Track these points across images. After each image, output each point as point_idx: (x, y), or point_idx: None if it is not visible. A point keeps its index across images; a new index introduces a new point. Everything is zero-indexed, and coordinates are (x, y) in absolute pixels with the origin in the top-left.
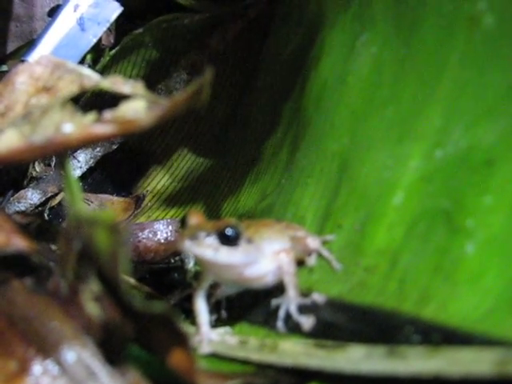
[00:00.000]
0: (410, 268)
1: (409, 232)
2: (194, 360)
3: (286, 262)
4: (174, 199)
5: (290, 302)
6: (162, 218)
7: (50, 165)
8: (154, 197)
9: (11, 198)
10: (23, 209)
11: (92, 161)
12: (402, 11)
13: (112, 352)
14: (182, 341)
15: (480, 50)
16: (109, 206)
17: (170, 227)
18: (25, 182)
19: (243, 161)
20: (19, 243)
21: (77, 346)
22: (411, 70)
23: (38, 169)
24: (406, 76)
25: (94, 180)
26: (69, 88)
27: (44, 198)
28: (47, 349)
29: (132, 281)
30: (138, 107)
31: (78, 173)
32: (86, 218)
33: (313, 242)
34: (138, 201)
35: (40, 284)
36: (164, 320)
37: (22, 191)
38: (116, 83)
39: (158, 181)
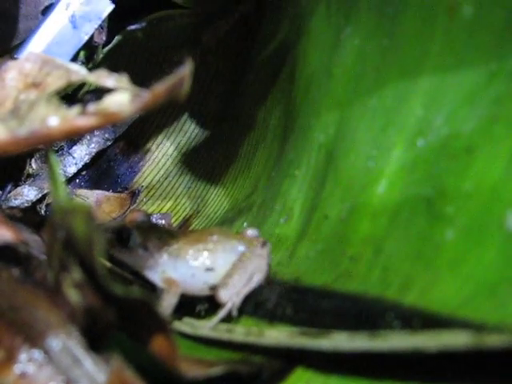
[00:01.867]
0: (393, 255)
1: (392, 220)
2: (176, 346)
3: (167, 292)
4: (169, 194)
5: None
6: (156, 212)
7: (46, 162)
8: (149, 192)
9: (8, 195)
10: (20, 205)
11: (87, 157)
12: (385, 3)
13: (96, 340)
14: (162, 326)
15: (459, 39)
16: (105, 201)
17: (163, 221)
18: (22, 179)
19: (236, 155)
20: (6, 234)
21: (62, 335)
22: (393, 61)
23: (34, 166)
24: (389, 67)
25: (89, 176)
26: (57, 83)
27: (40, 195)
28: (34, 338)
29: (114, 267)
30: (121, 100)
31: (73, 169)
32: (66, 207)
33: (224, 295)
34: (134, 196)
35: (28, 274)
36: (143, 305)
37: (19, 188)
38: (101, 77)
39: (153, 176)
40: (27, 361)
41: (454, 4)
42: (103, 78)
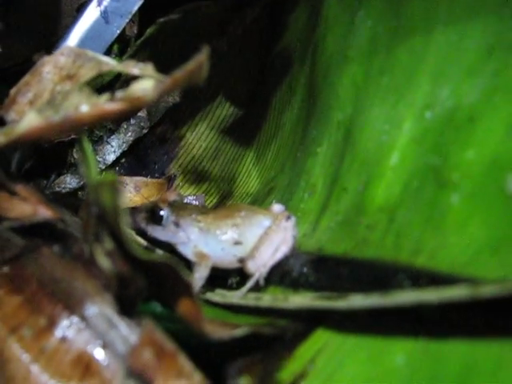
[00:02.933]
0: (405, 222)
1: (404, 189)
2: (200, 309)
3: (199, 265)
4: (204, 177)
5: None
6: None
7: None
8: (185, 176)
9: (52, 184)
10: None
11: (124, 145)
12: None
13: (128, 305)
14: (187, 289)
15: (461, 16)
16: (143, 187)
17: (197, 202)
18: (64, 169)
19: (265, 137)
20: (45, 213)
21: (98, 302)
22: (402, 40)
23: (75, 156)
24: (398, 46)
25: (128, 164)
26: (89, 74)
27: (82, 183)
28: (72, 305)
29: (149, 244)
30: (145, 85)
31: (112, 157)
32: (95, 181)
33: (252, 266)
34: (170, 181)
35: (66, 249)
36: (168, 270)
37: (62, 177)
38: (128, 66)
39: (188, 161)
40: (67, 326)
41: None
42: (130, 67)
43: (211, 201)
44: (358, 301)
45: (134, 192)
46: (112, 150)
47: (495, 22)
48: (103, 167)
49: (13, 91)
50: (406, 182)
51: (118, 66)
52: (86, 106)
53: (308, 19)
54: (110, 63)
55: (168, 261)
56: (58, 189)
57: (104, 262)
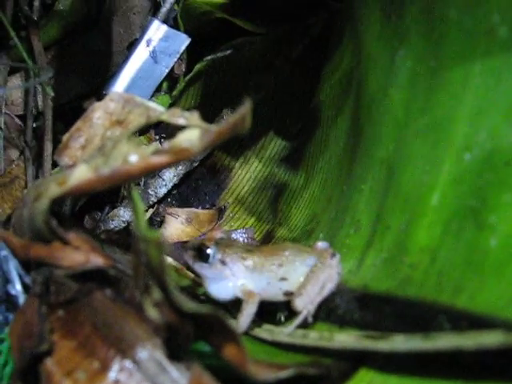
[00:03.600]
0: (447, 263)
1: (445, 230)
2: (246, 353)
3: (247, 302)
4: (253, 209)
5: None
6: (241, 227)
7: (139, 184)
8: (235, 207)
9: (106, 216)
10: (117, 225)
11: (175, 178)
12: (431, 26)
13: (178, 349)
14: (232, 337)
15: (497, 59)
16: (194, 218)
17: (246, 235)
18: (118, 202)
19: (313, 170)
20: (97, 260)
21: (149, 346)
22: (441, 81)
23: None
24: (437, 87)
25: (180, 195)
26: (138, 120)
27: None
28: (124, 349)
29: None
30: (191, 137)
31: (163, 190)
32: (142, 237)
33: (299, 304)
34: (221, 212)
35: (118, 294)
36: (214, 319)
37: (115, 210)
38: (173, 115)
39: (238, 192)
40: (119, 370)
41: (490, 27)
42: (175, 116)
43: (260, 232)
44: (399, 343)
45: (186, 223)
46: (163, 183)
47: None
48: (155, 200)
49: (65, 137)
50: (446, 222)
51: (165, 115)
52: (134, 155)
53: (352, 55)
54: (158, 110)
55: (213, 312)
56: (111, 221)
57: (152, 313)
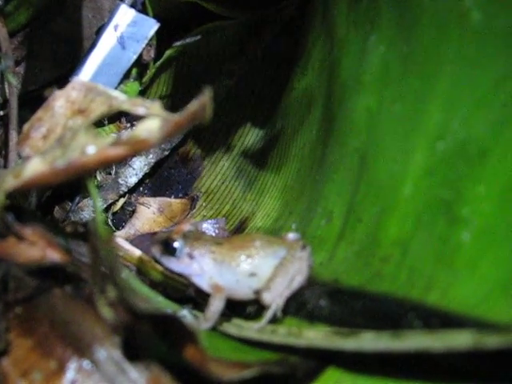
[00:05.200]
0: (418, 257)
1: (417, 222)
2: (206, 353)
3: (214, 297)
4: (226, 198)
5: (201, 322)
6: (214, 217)
7: (110, 173)
8: (207, 197)
9: (77, 207)
10: (87, 217)
11: (146, 167)
12: (403, 11)
13: (137, 349)
14: (191, 337)
15: (471, 45)
16: (167, 207)
17: (218, 225)
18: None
19: (286, 158)
20: (53, 256)
21: (107, 345)
22: (413, 68)
23: (99, 178)
24: (409, 73)
25: (152, 184)
26: (100, 109)
27: (105, 206)
28: (82, 349)
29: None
30: (151, 127)
31: (134, 180)
32: (94, 232)
33: (268, 298)
34: (193, 201)
35: (77, 290)
36: (171, 319)
37: (85, 200)
38: (134, 105)
39: (211, 181)
40: (77, 370)
41: (463, 10)
42: (136, 105)
43: (233, 222)
44: (368, 341)
45: (158, 213)
46: (134, 172)
47: (504, 52)
48: (126, 190)
49: (26, 127)
50: (418, 215)
51: (126, 104)
52: (92, 147)
53: (325, 40)
54: (120, 98)
55: (170, 312)
56: (82, 212)
57: (106, 312)
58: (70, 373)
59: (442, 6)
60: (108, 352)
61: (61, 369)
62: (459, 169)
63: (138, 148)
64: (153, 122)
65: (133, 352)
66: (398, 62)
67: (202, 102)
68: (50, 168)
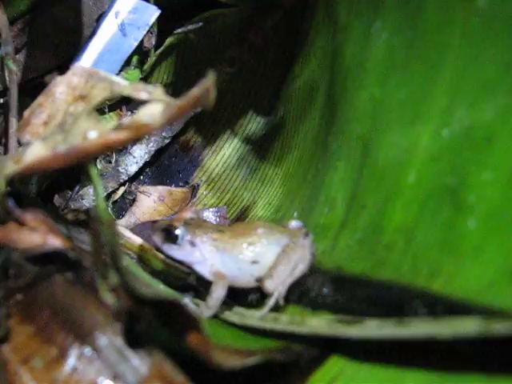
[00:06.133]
0: (423, 244)
1: (421, 209)
2: (209, 340)
3: (216, 284)
4: (227, 186)
5: (203, 310)
6: (215, 206)
7: (110, 162)
8: (209, 185)
9: (77, 195)
10: (87, 205)
11: (147, 156)
12: None
13: (138, 336)
14: (194, 324)
15: (476, 30)
16: (167, 196)
17: (219, 214)
18: (89, 180)
19: (287, 146)
20: (55, 242)
21: (109, 332)
22: (418, 54)
23: (99, 166)
24: (414, 59)
25: (152, 173)
26: (101, 94)
27: (105, 194)
28: (83, 335)
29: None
30: (153, 111)
31: (134, 168)
32: (96, 218)
33: (270, 285)
34: (194, 190)
35: (78, 277)
36: (174, 305)
37: (85, 188)
38: (136, 89)
39: (212, 170)
40: (78, 357)
41: None
42: (138, 90)
43: (234, 210)
44: (372, 328)
45: (159, 202)
46: (134, 160)
47: (511, 39)
48: (126, 178)
49: (26, 113)
50: (423, 201)
51: (128, 89)
52: (93, 132)
53: (327, 27)
54: (121, 84)
55: (173, 298)
56: (81, 200)
57: (108, 298)
58: (71, 360)
59: None
60: (109, 339)
61: (62, 356)
62: (465, 155)
63: (140, 132)
64: (155, 106)
65: (134, 339)
66: (402, 48)
67: (206, 86)
68: (51, 152)
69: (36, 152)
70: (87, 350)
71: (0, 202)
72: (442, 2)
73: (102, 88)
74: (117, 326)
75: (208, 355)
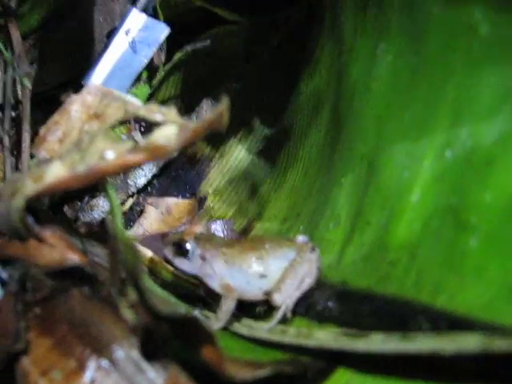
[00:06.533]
0: (426, 261)
1: (425, 228)
2: (222, 354)
3: (226, 297)
4: (233, 199)
5: (213, 322)
6: (221, 218)
7: (118, 174)
8: (215, 197)
9: (86, 206)
10: (96, 216)
11: (155, 169)
12: (412, 21)
13: (155, 349)
14: (208, 338)
15: (478, 56)
16: (174, 208)
17: (226, 226)
18: (98, 191)
19: (293, 160)
20: (73, 258)
21: (126, 345)
22: (422, 77)
23: (108, 178)
24: (419, 82)
25: (160, 185)
26: (116, 114)
27: None
28: (101, 348)
29: (180, 274)
30: (168, 133)
31: (143, 181)
32: (118, 238)
33: (278, 298)
34: (201, 202)
35: (95, 291)
36: (190, 320)
37: (95, 199)
38: (151, 111)
39: (218, 182)
40: (96, 369)
41: (472, 23)
42: (153, 112)
43: (240, 223)
44: (377, 342)
45: (166, 213)
46: (143, 173)
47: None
48: (135, 190)
49: (43, 130)
50: (426, 220)
51: (142, 110)
52: (111, 152)
53: (333, 46)
54: (135, 104)
55: (189, 314)
56: (91, 211)
57: (128, 314)
58: (90, 372)
59: (451, 17)
60: (126, 352)
61: (80, 368)
62: (466, 176)
63: (156, 154)
64: (170, 128)
65: (150, 352)
66: (407, 70)
67: (220, 111)
68: (70, 173)
69: (56, 172)
70: (105, 363)
71: (20, 219)
72: (445, 28)
73: (116, 107)
74: (133, 339)
75: (221, 368)
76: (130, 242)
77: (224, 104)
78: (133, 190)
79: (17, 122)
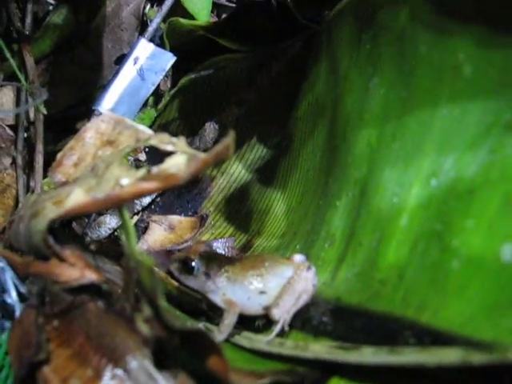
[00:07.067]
0: (413, 281)
1: (412, 250)
2: (228, 364)
3: (228, 312)
4: (234, 217)
5: (216, 334)
6: (221, 237)
7: (132, 200)
8: (216, 215)
9: (93, 223)
10: (103, 233)
11: None
12: (402, 59)
13: (165, 359)
14: (215, 349)
15: (462, 93)
16: (177, 225)
17: (227, 244)
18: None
19: (290, 182)
20: (91, 276)
21: (139, 356)
22: (411, 110)
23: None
24: (408, 115)
25: (163, 203)
26: (128, 141)
27: (120, 223)
28: (116, 359)
29: (184, 289)
30: (178, 163)
31: (147, 200)
32: (135, 260)
33: (276, 313)
34: (203, 220)
35: (110, 306)
36: (199, 334)
37: (102, 217)
38: (162, 141)
39: (219, 201)
40: (111, 378)
41: (456, 64)
42: (164, 141)
43: (240, 240)
44: (368, 355)
45: (169, 230)
46: None
47: (493, 101)
48: (140, 208)
49: (59, 155)
50: (413, 243)
51: (153, 139)
52: (126, 179)
53: (328, 75)
54: (147, 133)
55: (198, 328)
56: (98, 228)
57: (144, 328)
58: (106, 380)
59: (437, 57)
60: (139, 362)
61: (97, 376)
62: (450, 204)
63: (168, 183)
64: (180, 157)
65: (162, 362)
66: (398, 104)
67: (227, 144)
68: (90, 199)
69: (76, 197)
70: (119, 372)
71: (42, 240)
72: (432, 67)
73: (129, 135)
74: (146, 350)
75: (226, 377)
76: (148, 265)
77: (231, 137)
78: (138, 208)
79: (28, 143)
